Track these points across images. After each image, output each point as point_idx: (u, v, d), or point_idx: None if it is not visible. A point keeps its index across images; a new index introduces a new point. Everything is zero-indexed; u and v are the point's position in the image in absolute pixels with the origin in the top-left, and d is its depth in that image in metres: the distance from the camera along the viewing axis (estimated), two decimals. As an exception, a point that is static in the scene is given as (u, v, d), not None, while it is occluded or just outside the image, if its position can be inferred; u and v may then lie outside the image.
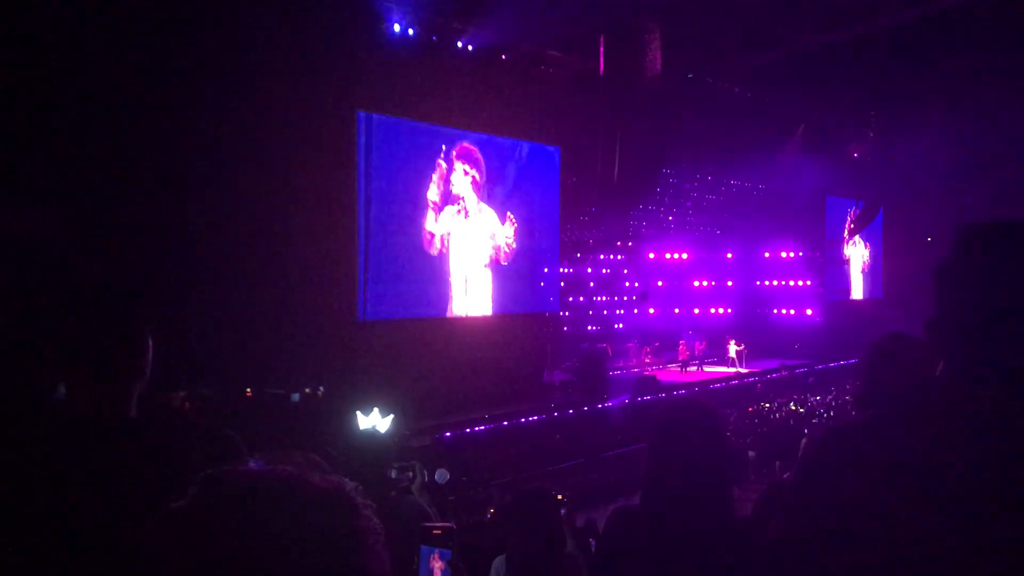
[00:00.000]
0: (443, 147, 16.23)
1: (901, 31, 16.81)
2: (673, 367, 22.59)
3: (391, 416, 9.79)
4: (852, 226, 29.48)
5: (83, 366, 1.65)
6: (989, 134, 22.29)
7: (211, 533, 0.86)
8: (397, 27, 14.92)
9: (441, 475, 6.00)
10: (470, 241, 16.67)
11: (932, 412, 1.21)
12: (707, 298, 26.63)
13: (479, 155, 16.89)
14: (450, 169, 16.37)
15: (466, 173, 16.60)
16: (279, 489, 0.90)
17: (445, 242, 16.19)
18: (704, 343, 23.56)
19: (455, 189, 16.44)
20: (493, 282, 17.22)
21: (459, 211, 16.50)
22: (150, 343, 1.75)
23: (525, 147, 17.85)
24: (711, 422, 2.07)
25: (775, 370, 22.87)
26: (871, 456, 1.20)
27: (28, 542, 1.47)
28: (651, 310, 25.04)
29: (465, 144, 16.61)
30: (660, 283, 25.52)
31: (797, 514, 1.31)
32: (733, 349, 23.25)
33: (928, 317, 1.29)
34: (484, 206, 17.06)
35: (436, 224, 16.00)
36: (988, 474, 1.11)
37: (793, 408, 18.51)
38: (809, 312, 26.95)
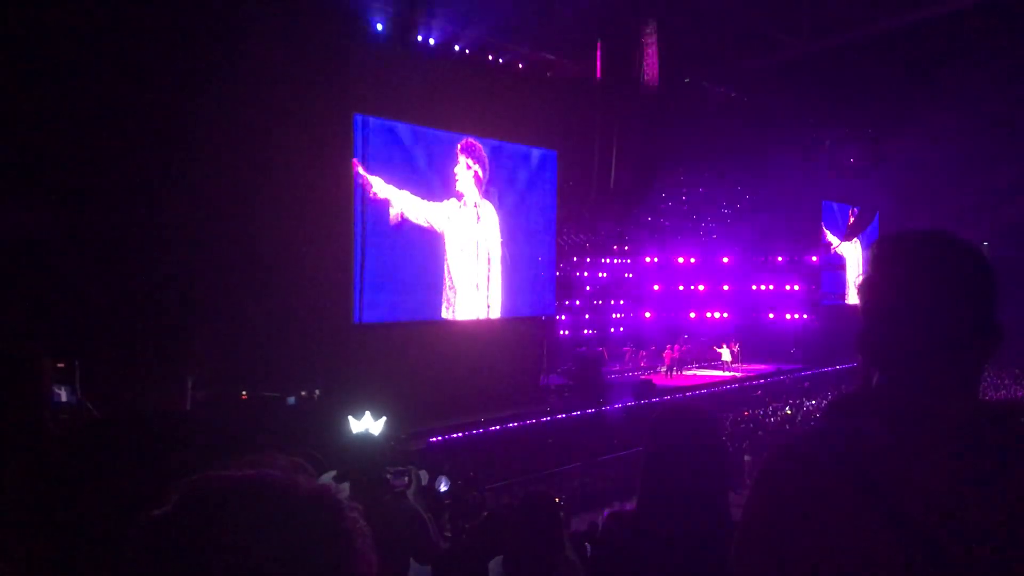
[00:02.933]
0: (451, 146, 16.32)
1: (897, 37, 16.87)
2: (662, 371, 22.61)
3: (383, 419, 9.77)
4: (848, 230, 29.55)
5: (145, 365, 1.78)
6: (984, 137, 22.38)
7: (194, 539, 0.85)
8: (394, 31, 14.92)
9: (441, 482, 6.01)
10: (468, 239, 16.67)
11: (874, 423, 1.22)
12: (704, 302, 26.67)
13: (483, 152, 16.91)
14: (454, 162, 16.41)
15: (468, 167, 16.62)
16: (263, 493, 0.89)
17: (441, 235, 16.16)
18: (687, 347, 23.58)
19: (458, 183, 16.47)
20: (490, 285, 17.21)
21: (463, 206, 16.51)
22: (202, 344, 1.89)
23: (512, 150, 17.84)
24: (707, 427, 2.07)
25: (771, 374, 22.90)
26: (820, 471, 1.22)
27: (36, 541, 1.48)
28: (647, 314, 25.07)
29: (470, 140, 16.65)
30: (656, 287, 25.55)
31: (751, 535, 1.32)
32: (727, 353, 23.27)
33: (858, 331, 1.31)
34: (485, 203, 17.06)
35: (432, 211, 15.96)
36: (934, 485, 1.13)
37: (789, 412, 18.55)
38: (805, 316, 27.01)
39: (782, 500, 1.25)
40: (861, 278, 1.32)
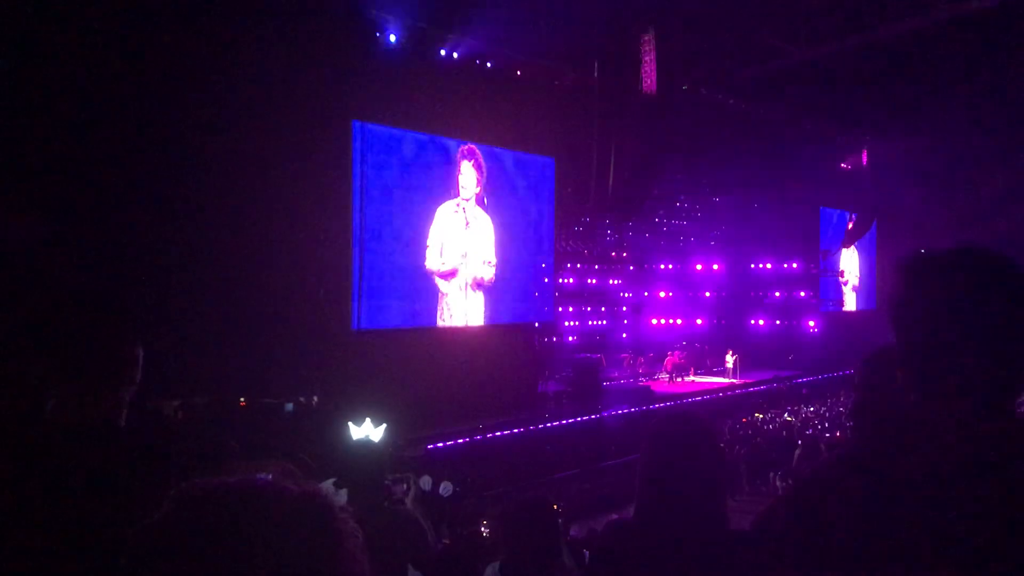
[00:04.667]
0: (451, 153, 16.38)
1: (894, 44, 16.92)
2: (661, 377, 22.60)
3: (384, 426, 9.75)
4: (847, 236, 29.59)
5: (73, 375, 1.67)
6: (982, 145, 22.44)
7: (186, 546, 0.86)
8: (393, 38, 14.96)
9: (445, 487, 6.01)
10: (467, 245, 16.68)
11: (910, 444, 1.22)
12: (701, 309, 26.68)
13: (482, 158, 16.98)
14: (452, 168, 16.46)
15: (467, 173, 16.69)
16: (252, 497, 0.90)
17: (443, 250, 16.20)
18: (685, 354, 23.60)
19: (461, 190, 16.55)
20: (488, 292, 17.22)
21: (456, 211, 16.53)
22: (139, 352, 1.76)
23: (510, 157, 17.88)
24: (704, 435, 2.07)
25: (769, 381, 22.90)
26: (856, 494, 1.22)
27: (11, 549, 1.47)
28: (646, 320, 25.09)
29: (471, 145, 16.74)
30: (654, 294, 25.56)
31: (787, 555, 1.32)
32: (730, 360, 23.29)
33: (898, 350, 1.31)
34: (483, 210, 17.10)
35: (435, 228, 16.04)
36: (972, 505, 1.12)
37: (787, 419, 18.53)
38: (803, 323, 27.02)
39: (818, 520, 1.25)
40: (895, 295, 1.31)
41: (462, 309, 16.63)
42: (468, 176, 16.74)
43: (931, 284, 1.27)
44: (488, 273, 17.20)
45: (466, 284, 16.73)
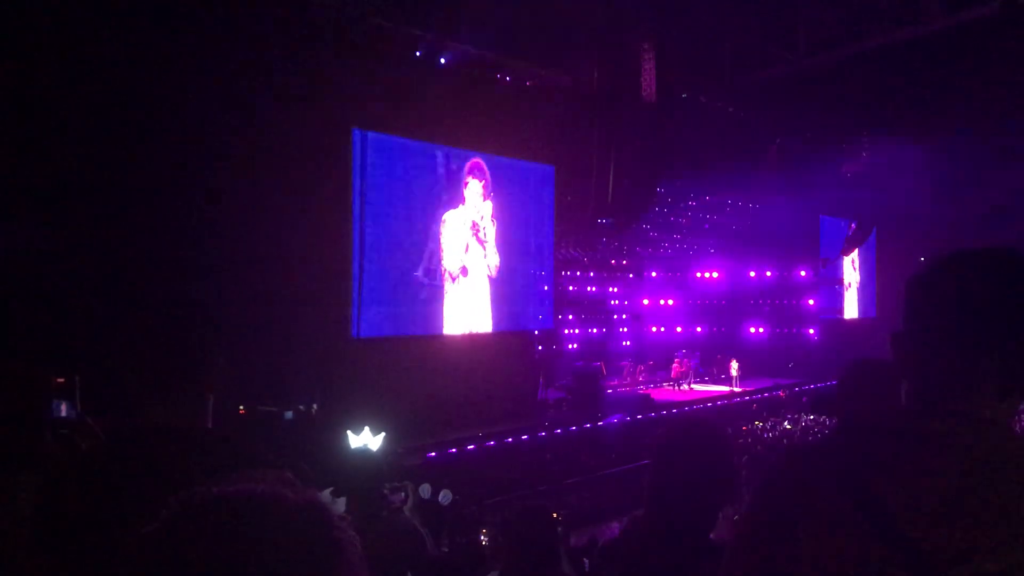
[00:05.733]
0: (451, 162, 16.43)
1: (893, 52, 16.97)
2: (667, 385, 22.60)
3: (382, 434, 9.76)
4: (845, 245, 29.63)
5: (165, 381, 1.74)
6: (981, 154, 22.50)
7: (184, 555, 0.85)
8: (393, 45, 14.99)
9: (444, 496, 6.01)
10: (469, 255, 16.70)
11: (888, 438, 1.21)
12: (701, 316, 26.71)
13: (488, 174, 17.04)
14: (462, 182, 16.53)
15: (472, 184, 16.76)
16: (250, 506, 0.90)
17: (445, 258, 16.21)
18: (695, 361, 23.61)
19: (467, 204, 16.63)
20: (488, 300, 17.22)
21: (461, 220, 16.57)
22: (222, 359, 1.91)
23: (510, 165, 17.94)
24: (718, 442, 2.06)
25: (769, 389, 22.90)
26: (823, 483, 1.20)
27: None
28: (646, 328, 25.10)
29: (477, 159, 16.83)
30: (654, 301, 25.59)
31: (747, 546, 1.30)
32: (735, 367, 23.31)
33: (895, 331, 1.29)
34: (484, 218, 17.15)
35: (437, 236, 16.08)
36: (940, 504, 1.11)
37: (787, 427, 18.52)
38: (803, 331, 27.05)
39: (780, 510, 1.24)
40: (917, 279, 1.27)
41: (462, 317, 16.63)
42: (474, 189, 16.79)
43: (961, 278, 1.24)
44: (488, 282, 17.20)
45: (467, 292, 16.73)
